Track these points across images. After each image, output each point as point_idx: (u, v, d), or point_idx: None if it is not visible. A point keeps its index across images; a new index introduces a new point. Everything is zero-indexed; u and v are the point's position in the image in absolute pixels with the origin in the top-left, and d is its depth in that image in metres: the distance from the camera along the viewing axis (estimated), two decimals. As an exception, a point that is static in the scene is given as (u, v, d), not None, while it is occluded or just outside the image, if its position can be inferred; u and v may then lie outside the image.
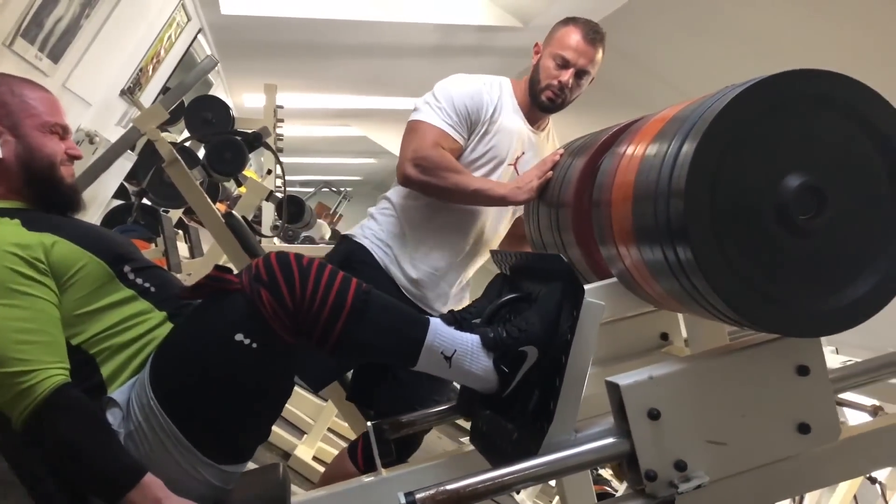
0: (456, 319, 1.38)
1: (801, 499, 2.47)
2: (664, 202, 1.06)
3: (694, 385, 1.15)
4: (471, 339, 1.30)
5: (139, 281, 1.40)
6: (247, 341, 1.23)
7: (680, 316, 1.65)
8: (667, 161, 1.07)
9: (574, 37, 2.01)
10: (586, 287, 1.30)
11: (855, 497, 3.36)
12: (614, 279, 1.35)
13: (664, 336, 1.66)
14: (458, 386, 1.51)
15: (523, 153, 2.10)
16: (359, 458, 1.99)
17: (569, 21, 2.06)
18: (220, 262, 3.03)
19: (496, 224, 2.13)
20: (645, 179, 1.13)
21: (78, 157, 1.48)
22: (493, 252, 1.59)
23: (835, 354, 2.12)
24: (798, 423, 1.15)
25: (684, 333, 1.64)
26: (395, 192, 2.12)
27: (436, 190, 1.99)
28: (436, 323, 1.31)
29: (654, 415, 1.12)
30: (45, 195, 1.43)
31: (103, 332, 1.33)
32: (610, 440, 1.15)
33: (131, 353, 1.34)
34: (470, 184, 1.96)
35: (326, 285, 1.23)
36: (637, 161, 1.18)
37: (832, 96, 1.05)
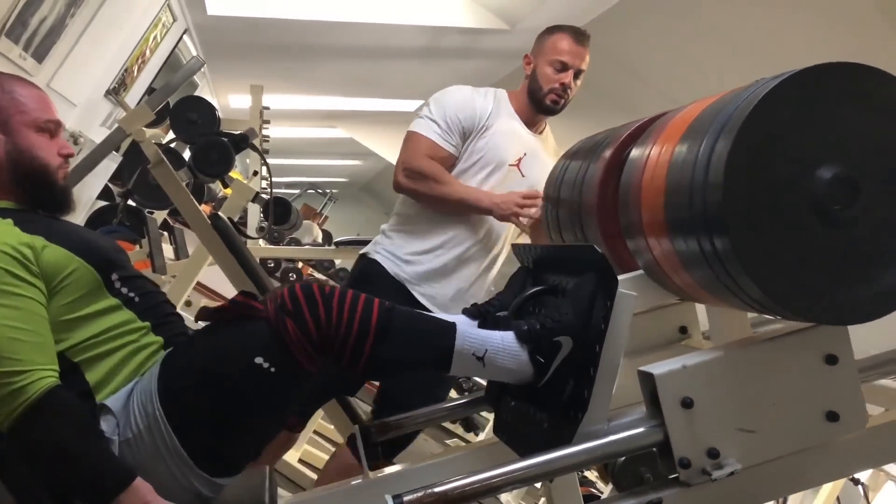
0: (480, 312, 1.41)
1: (785, 500, 2.49)
2: (700, 194, 1.07)
3: (726, 374, 1.18)
4: (500, 336, 1.31)
5: (124, 290, 1.40)
6: (265, 365, 1.25)
7: (699, 310, 1.68)
8: (702, 153, 1.09)
9: (566, 41, 2.19)
10: (620, 277, 1.32)
11: (838, 498, 3.39)
12: (640, 272, 1.36)
13: (683, 329, 1.69)
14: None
15: (525, 154, 2.22)
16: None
17: (555, 29, 2.23)
18: (206, 264, 3.02)
19: (495, 231, 2.21)
20: (678, 172, 1.15)
21: (71, 155, 1.47)
22: (514, 245, 1.63)
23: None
24: (826, 411, 1.17)
25: (702, 327, 1.67)
26: (399, 204, 2.29)
27: (424, 197, 2.16)
28: (462, 326, 1.32)
29: (687, 403, 1.15)
30: (36, 195, 1.42)
31: (87, 341, 1.32)
32: (643, 429, 1.17)
33: (118, 361, 1.34)
34: (455, 192, 2.12)
35: (350, 310, 1.25)
36: (668, 154, 1.20)
37: (865, 89, 1.07)
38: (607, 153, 1.54)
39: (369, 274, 2.20)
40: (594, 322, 1.22)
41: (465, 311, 1.44)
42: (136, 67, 4.76)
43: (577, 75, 2.20)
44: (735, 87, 1.29)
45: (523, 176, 2.20)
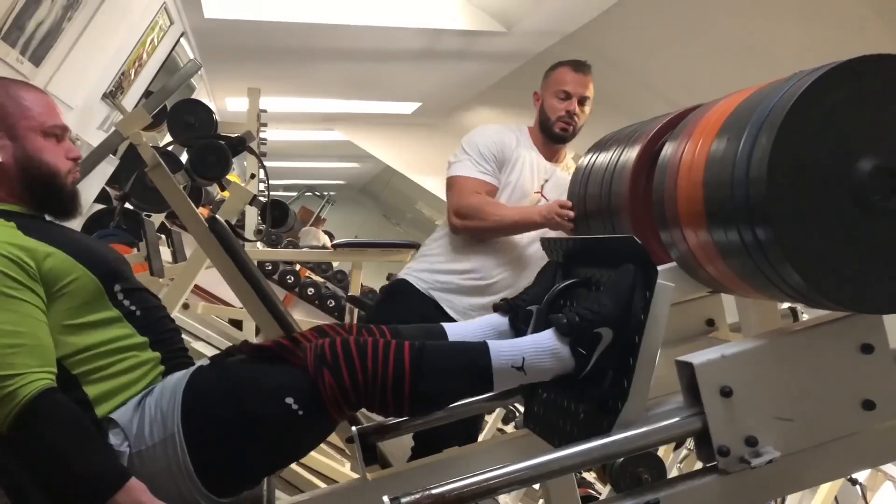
0: (511, 307, 1.44)
1: (783, 500, 2.49)
2: (742, 185, 1.09)
3: (764, 363, 1.20)
4: (532, 339, 1.33)
5: (126, 303, 1.40)
6: (295, 406, 1.27)
7: (726, 303, 1.71)
8: (743, 145, 1.11)
9: (567, 73, 2.37)
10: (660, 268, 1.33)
11: (836, 499, 3.39)
12: (673, 264, 1.38)
13: (710, 322, 1.71)
14: None
15: (546, 181, 2.40)
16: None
17: (557, 65, 2.41)
18: (204, 267, 3.02)
19: (524, 255, 2.39)
20: (718, 162, 1.17)
21: (78, 158, 1.48)
22: (543, 240, 1.65)
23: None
24: (862, 399, 1.19)
25: (729, 319, 1.70)
26: (437, 231, 2.48)
27: (482, 231, 2.32)
28: (493, 343, 1.34)
29: (726, 392, 1.16)
30: (44, 200, 1.42)
31: (86, 351, 1.32)
32: (681, 418, 1.19)
33: (117, 377, 1.34)
34: (509, 216, 2.28)
35: (384, 356, 1.28)
36: (707, 146, 1.22)
37: None
38: (638, 147, 1.56)
39: (398, 291, 2.40)
40: (634, 313, 1.25)
41: (496, 307, 1.48)
42: (133, 71, 4.76)
43: (581, 102, 2.36)
44: (733, 89, 1.30)
45: (546, 200, 2.34)
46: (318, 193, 12.72)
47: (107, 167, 4.50)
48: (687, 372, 1.19)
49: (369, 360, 1.27)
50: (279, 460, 1.41)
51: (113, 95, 4.46)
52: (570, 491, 1.72)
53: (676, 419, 1.19)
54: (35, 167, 1.40)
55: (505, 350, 1.32)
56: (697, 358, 1.19)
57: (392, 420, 1.66)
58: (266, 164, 3.58)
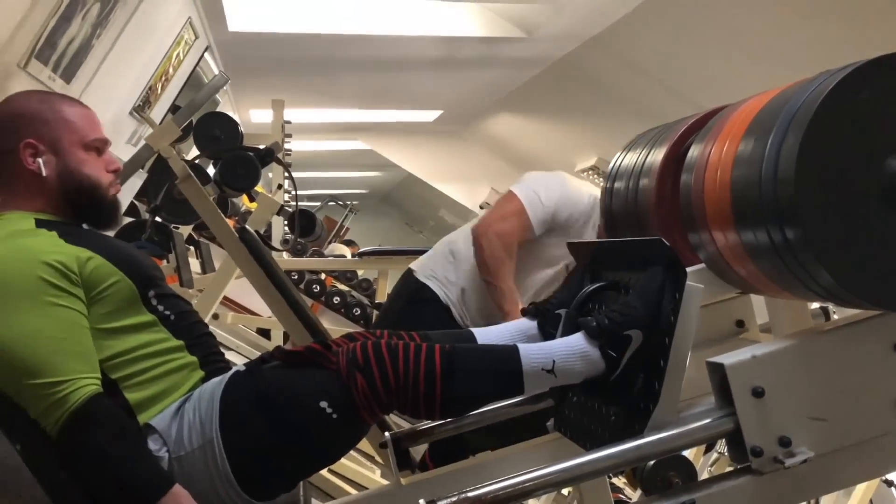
0: (539, 311, 1.44)
1: (818, 501, 2.46)
2: (771, 185, 1.09)
3: (795, 363, 1.19)
4: (564, 342, 1.33)
5: (160, 308, 1.42)
6: (329, 410, 1.28)
7: (755, 304, 1.70)
8: (771, 144, 1.10)
9: None
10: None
11: (871, 501, 3.35)
12: (702, 265, 1.38)
13: (740, 323, 1.70)
14: None
15: None
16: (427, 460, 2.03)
17: None
18: (233, 278, 3.06)
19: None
20: (746, 162, 1.16)
21: (118, 170, 1.50)
22: (569, 244, 1.64)
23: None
24: (895, 399, 1.18)
25: (759, 320, 1.68)
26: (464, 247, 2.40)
27: (484, 267, 2.28)
28: (523, 347, 1.34)
29: (758, 392, 1.16)
30: (84, 211, 1.45)
31: (124, 355, 1.35)
32: (713, 419, 1.18)
33: (156, 382, 1.36)
34: (504, 281, 2.25)
35: (415, 359, 1.29)
36: (734, 146, 1.22)
37: None
38: (664, 148, 1.56)
39: (422, 299, 2.36)
40: (663, 315, 1.24)
41: (524, 312, 1.48)
42: (160, 85, 4.84)
43: None
44: (755, 89, 1.30)
45: None
46: (341, 203, 12.77)
47: (135, 181, 4.57)
48: (718, 373, 1.19)
49: (400, 362, 1.29)
50: (315, 464, 1.43)
51: (141, 110, 4.53)
52: (604, 495, 1.72)
53: (708, 420, 1.18)
54: (77, 181, 1.43)
55: (535, 353, 1.32)
56: (728, 359, 1.18)
57: (424, 425, 1.67)
58: (292, 174, 3.62)
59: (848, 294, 1.09)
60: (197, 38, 4.97)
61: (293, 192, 3.63)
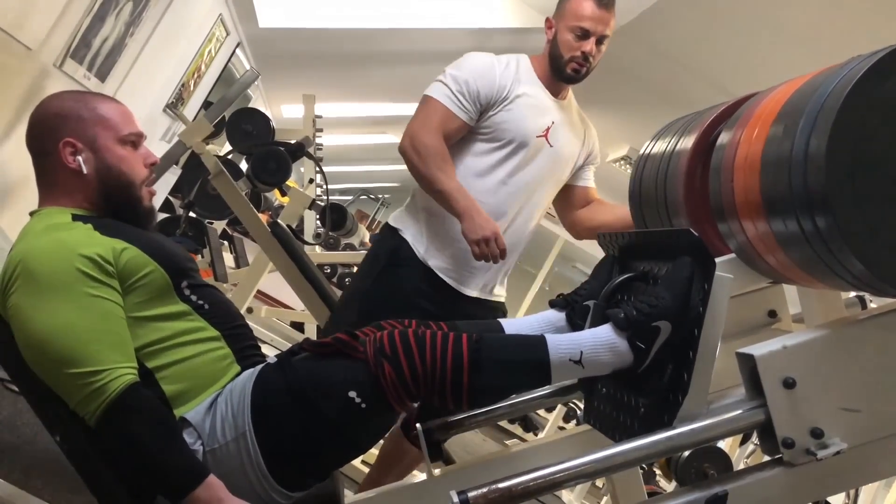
0: (567, 302, 1.43)
1: (857, 494, 2.43)
2: (800, 173, 1.07)
3: (827, 353, 1.18)
4: (591, 333, 1.33)
5: (194, 297, 1.44)
6: (358, 400, 1.29)
7: (788, 294, 1.68)
8: (801, 131, 1.09)
9: (588, 5, 2.04)
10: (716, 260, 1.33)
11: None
12: (732, 255, 1.37)
13: (772, 313, 1.67)
14: None
15: (553, 122, 2.12)
16: (411, 434, 2.02)
17: None
18: (267, 272, 3.09)
19: (520, 208, 2.13)
20: (776, 150, 1.15)
21: (155, 163, 1.52)
22: (599, 235, 1.62)
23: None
24: None
25: (792, 310, 1.67)
26: (416, 188, 2.18)
27: (415, 171, 2.05)
28: (550, 337, 1.34)
29: (789, 383, 1.15)
30: (120, 209, 1.47)
31: (159, 343, 1.36)
32: (744, 410, 1.17)
33: (193, 371, 1.37)
34: (441, 183, 2.00)
35: (442, 349, 1.29)
36: (763, 136, 1.20)
37: None
38: (694, 137, 1.54)
39: (401, 258, 2.12)
40: (692, 305, 1.23)
41: (552, 303, 1.47)
42: (193, 82, 4.89)
43: (600, 41, 2.06)
44: (788, 76, 1.28)
45: (551, 146, 2.11)
46: (372, 196, 12.83)
47: (170, 177, 4.64)
48: (748, 364, 1.18)
49: (427, 351, 1.29)
50: (346, 454, 1.45)
51: (174, 107, 4.58)
52: (636, 486, 1.71)
53: (739, 412, 1.17)
54: (114, 178, 1.45)
55: (563, 343, 1.32)
56: (759, 349, 1.17)
57: (455, 416, 1.68)
58: (322, 168, 3.65)
59: (880, 282, 1.07)
60: (228, 34, 5.02)
61: (324, 186, 3.65)
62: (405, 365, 1.28)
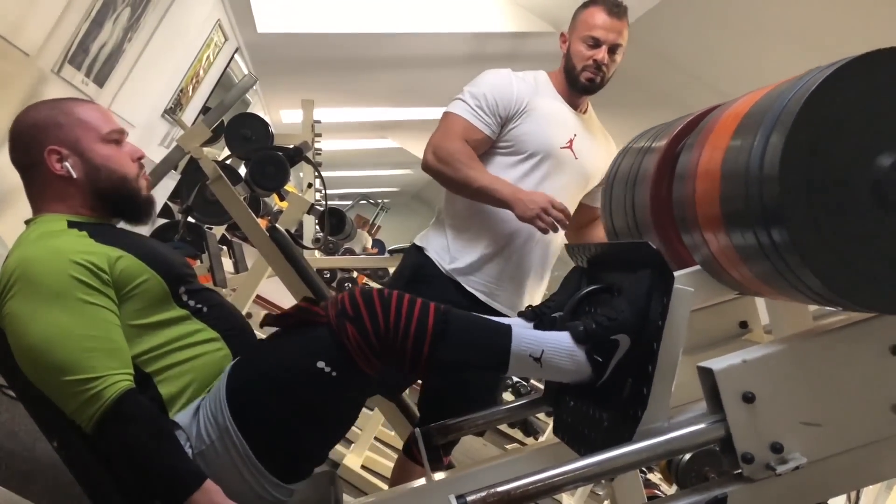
0: (536, 314, 1.41)
1: (858, 496, 2.42)
2: (756, 186, 1.06)
3: (787, 367, 1.16)
4: (557, 337, 1.32)
5: (192, 303, 1.44)
6: (328, 369, 1.28)
7: (759, 304, 1.66)
8: (757, 145, 1.08)
9: (599, 16, 2.06)
10: (677, 273, 1.31)
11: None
12: (697, 267, 1.35)
13: (743, 324, 1.66)
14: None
15: (575, 135, 2.11)
16: (416, 454, 2.01)
17: (588, 3, 2.11)
18: (266, 277, 3.08)
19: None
20: (733, 163, 1.14)
21: (142, 157, 1.52)
22: (567, 246, 1.62)
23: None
24: (893, 403, 1.15)
25: (763, 321, 1.65)
26: (448, 202, 2.18)
27: (446, 179, 2.05)
28: (517, 328, 1.33)
29: (748, 398, 1.13)
30: (118, 206, 1.47)
31: (157, 349, 1.37)
32: (704, 425, 1.16)
33: (191, 372, 1.38)
34: (478, 179, 1.99)
35: (407, 314, 1.28)
36: (723, 146, 1.19)
37: None
38: (660, 148, 1.53)
39: (425, 275, 2.11)
40: (651, 319, 1.22)
41: (521, 314, 1.45)
42: (191, 87, 4.90)
43: (612, 50, 2.07)
44: (787, 78, 1.28)
45: (576, 158, 2.09)
46: (372, 201, 12.83)
47: (168, 182, 4.63)
48: (708, 378, 1.16)
49: (392, 312, 1.27)
50: (331, 428, 1.41)
51: (172, 112, 4.58)
52: (636, 489, 1.71)
53: (699, 426, 1.15)
54: (105, 177, 1.45)
55: (527, 338, 1.31)
56: (718, 364, 1.15)
57: (454, 420, 1.67)
58: (321, 173, 3.64)
59: (839, 299, 1.06)
60: (226, 40, 5.03)
61: (323, 191, 3.65)
62: (368, 323, 1.26)
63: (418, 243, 2.20)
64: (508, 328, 1.33)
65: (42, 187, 1.44)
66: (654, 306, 1.22)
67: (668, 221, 1.43)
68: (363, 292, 1.30)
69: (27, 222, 1.44)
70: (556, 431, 1.48)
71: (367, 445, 3.38)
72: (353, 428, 3.64)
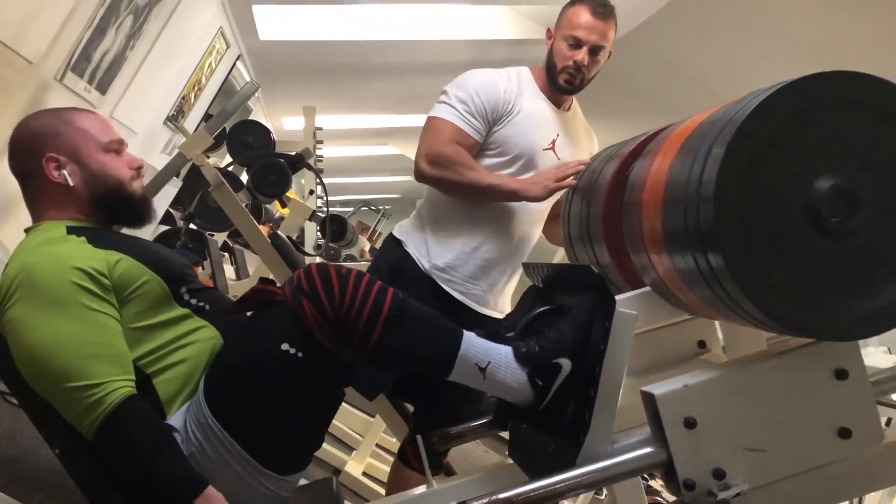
0: (490, 333, 1.38)
1: (861, 501, 2.41)
2: (694, 209, 1.05)
3: (730, 392, 1.14)
4: (506, 351, 1.31)
5: (194, 301, 1.44)
6: (292, 351, 1.27)
7: (717, 322, 1.64)
8: (696, 166, 1.07)
9: (583, 15, 2.01)
10: (619, 297, 1.30)
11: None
12: (647, 288, 1.34)
13: (702, 344, 1.63)
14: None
15: (557, 135, 2.08)
16: (410, 459, 2.01)
17: (575, 1, 2.05)
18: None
19: (523, 215, 2.10)
20: (675, 185, 1.13)
21: (141, 167, 1.53)
22: (524, 265, 1.59)
23: (888, 354, 2.08)
24: (838, 427, 1.13)
25: (722, 340, 1.62)
26: (428, 201, 2.16)
27: (450, 185, 2.01)
28: (469, 334, 1.32)
29: (690, 423, 1.12)
30: (116, 211, 1.48)
31: (158, 351, 1.37)
32: (647, 450, 1.14)
33: (187, 373, 1.38)
34: (484, 179, 1.97)
35: (364, 295, 1.26)
36: (667, 166, 1.18)
37: (862, 98, 1.04)
38: (612, 168, 1.51)
39: (404, 273, 2.09)
40: (593, 343, 1.20)
41: (477, 332, 1.40)
42: (193, 94, 4.91)
43: (594, 51, 2.01)
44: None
45: (558, 158, 2.06)
46: (373, 208, 12.83)
47: (170, 189, 4.64)
48: (650, 402, 1.14)
49: (350, 289, 1.25)
50: (314, 410, 1.38)
51: (174, 119, 4.60)
52: (638, 497, 1.70)
53: (641, 451, 1.14)
54: (101, 183, 1.46)
55: (477, 346, 1.30)
56: (660, 388, 1.13)
57: (455, 428, 1.67)
58: (323, 180, 3.65)
59: (776, 324, 1.04)
60: (228, 47, 5.04)
61: (325, 198, 3.66)
62: (325, 299, 1.25)
63: (397, 236, 2.17)
64: (461, 331, 1.31)
65: (40, 195, 1.45)
66: (597, 330, 1.21)
67: (620, 242, 1.41)
68: (319, 268, 1.29)
69: (27, 231, 1.45)
70: (510, 453, 1.46)
71: (369, 452, 3.38)
72: (355, 435, 3.66)
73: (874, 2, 3.17)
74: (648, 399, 1.15)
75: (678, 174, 1.12)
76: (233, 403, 1.30)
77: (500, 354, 1.30)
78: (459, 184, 1.99)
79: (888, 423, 2.43)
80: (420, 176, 2.03)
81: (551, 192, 1.89)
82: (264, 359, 1.28)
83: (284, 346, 1.26)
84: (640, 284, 1.37)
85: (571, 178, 1.83)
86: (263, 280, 1.36)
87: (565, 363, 1.24)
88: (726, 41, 4.03)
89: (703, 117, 1.19)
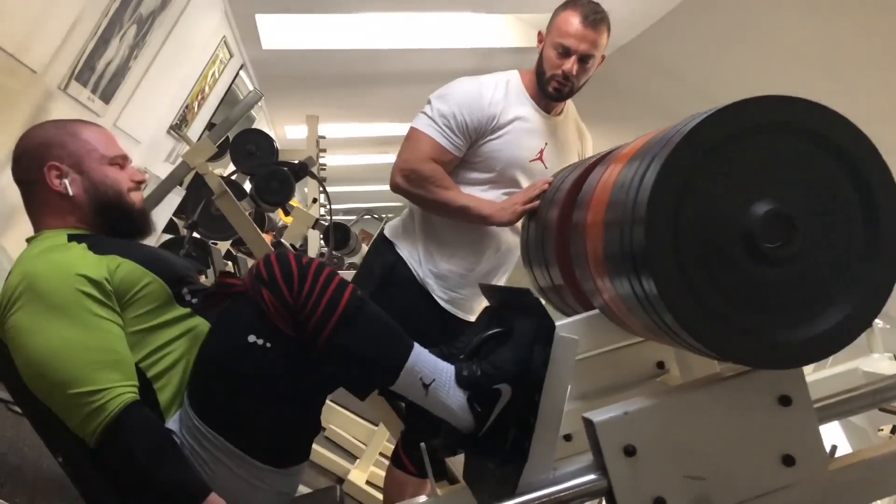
0: (443, 354, 1.36)
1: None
2: (629, 230, 1.03)
3: (670, 419, 1.12)
4: (451, 372, 1.29)
5: (195, 301, 1.45)
6: (259, 342, 1.27)
7: None
8: (632, 187, 1.05)
9: (573, 22, 1.95)
10: (567, 321, 1.29)
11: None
12: (596, 311, 1.32)
13: (660, 364, 1.60)
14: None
15: (546, 144, 2.05)
16: (405, 462, 2.00)
17: (567, 5, 2.01)
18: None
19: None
20: (614, 206, 1.11)
21: (142, 181, 1.54)
22: (481, 286, 1.57)
23: (892, 360, 2.06)
24: (782, 454, 1.11)
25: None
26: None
27: (422, 202, 2.03)
28: (421, 349, 1.30)
29: (629, 451, 1.10)
30: (115, 222, 1.49)
31: (159, 351, 1.37)
32: (588, 477, 1.13)
33: (185, 370, 1.38)
34: (456, 200, 1.97)
35: (322, 287, 1.25)
36: (610, 186, 1.16)
37: (799, 123, 1.03)
38: (568, 186, 1.49)
39: (398, 277, 2.09)
40: (534, 368, 1.18)
41: (431, 351, 1.39)
42: (197, 103, 4.92)
43: (584, 60, 1.96)
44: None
45: (546, 168, 2.03)
46: (376, 216, 12.82)
47: (174, 198, 4.64)
48: (591, 430, 1.12)
49: (309, 280, 1.24)
50: (295, 399, 1.35)
51: (178, 128, 4.60)
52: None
53: (582, 479, 1.13)
54: (102, 193, 1.47)
55: (426, 362, 1.28)
56: (599, 415, 1.12)
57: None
58: (326, 188, 3.66)
59: (712, 352, 1.03)
60: (232, 56, 5.05)
61: (328, 206, 3.66)
62: (283, 287, 1.24)
63: (389, 237, 2.16)
64: (413, 343, 1.30)
65: (41, 203, 1.46)
66: (537, 356, 1.18)
67: (570, 264, 1.40)
68: (279, 256, 1.28)
69: (28, 240, 1.45)
70: (464, 475, 1.43)
71: (373, 461, 3.37)
72: (358, 443, 3.65)
73: (874, 10, 3.17)
74: (589, 426, 1.13)
75: (618, 194, 1.11)
76: (215, 403, 1.30)
77: (445, 373, 1.28)
78: (432, 202, 2.00)
79: (893, 430, 2.42)
80: (394, 187, 2.03)
81: (520, 216, 1.87)
82: (234, 354, 1.28)
83: (251, 339, 1.26)
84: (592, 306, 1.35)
85: (537, 200, 1.81)
86: (224, 273, 1.36)
87: (505, 389, 1.22)
88: (728, 49, 4.04)
89: (651, 136, 1.17)
